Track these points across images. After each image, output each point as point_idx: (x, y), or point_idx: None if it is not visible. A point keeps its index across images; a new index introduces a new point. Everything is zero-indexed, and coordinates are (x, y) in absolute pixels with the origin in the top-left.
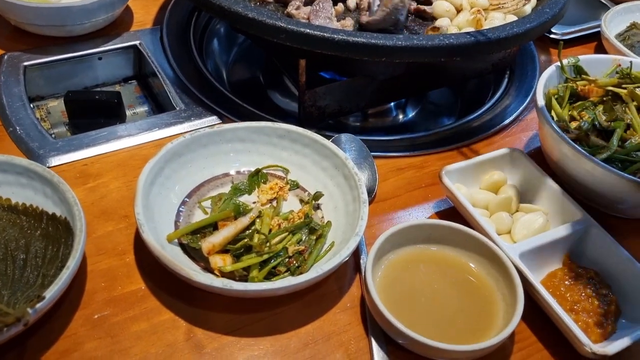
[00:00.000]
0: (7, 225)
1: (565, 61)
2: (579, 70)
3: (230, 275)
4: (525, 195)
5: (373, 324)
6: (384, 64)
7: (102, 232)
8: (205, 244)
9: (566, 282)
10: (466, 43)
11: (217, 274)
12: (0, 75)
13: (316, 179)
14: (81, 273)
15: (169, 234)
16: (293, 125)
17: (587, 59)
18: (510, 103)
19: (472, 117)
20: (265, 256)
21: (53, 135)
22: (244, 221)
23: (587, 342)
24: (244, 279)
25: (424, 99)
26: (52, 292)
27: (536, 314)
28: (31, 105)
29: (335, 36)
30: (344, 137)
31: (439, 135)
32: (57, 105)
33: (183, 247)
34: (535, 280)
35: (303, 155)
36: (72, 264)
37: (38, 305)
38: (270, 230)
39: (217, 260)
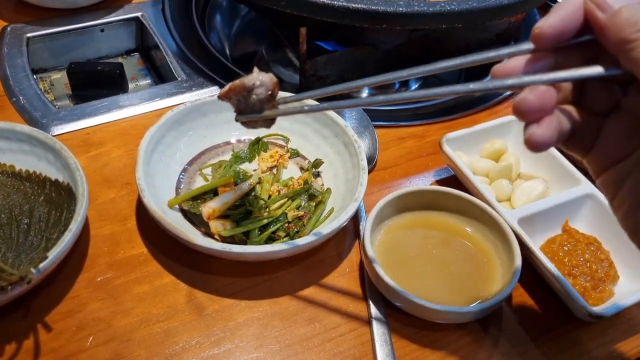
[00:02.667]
0: (11, 191)
1: None
2: None
3: (230, 241)
4: (526, 163)
5: (371, 287)
6: (385, 32)
7: (104, 199)
8: (205, 209)
9: (565, 248)
10: (468, 9)
11: (217, 238)
12: (3, 46)
13: (317, 147)
14: (84, 238)
15: (169, 200)
16: (293, 94)
17: None
18: None
19: None
20: (265, 221)
21: (56, 106)
22: (243, 187)
23: (584, 305)
24: (244, 243)
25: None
26: (55, 253)
27: (534, 280)
28: (34, 77)
29: (335, 2)
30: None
31: (441, 105)
32: (60, 78)
33: (184, 213)
34: (534, 245)
35: (304, 123)
36: (74, 226)
37: (41, 265)
38: (269, 196)
39: (216, 225)
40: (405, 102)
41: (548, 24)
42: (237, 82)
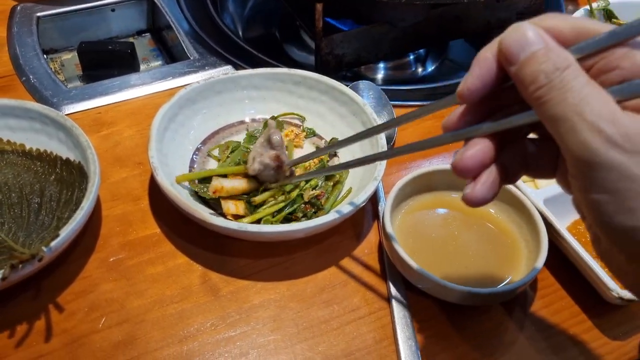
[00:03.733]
0: (21, 170)
1: (595, 5)
2: (609, 15)
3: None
4: None
5: (391, 269)
6: (403, 8)
7: (116, 179)
8: (215, 182)
9: None
10: None
11: (231, 219)
12: (13, 26)
13: (333, 126)
14: (96, 218)
15: (177, 176)
16: (309, 72)
17: (618, 2)
18: None
19: None
20: (281, 204)
21: (67, 86)
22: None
23: (614, 287)
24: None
25: (444, 54)
26: (66, 231)
27: (560, 262)
28: (45, 57)
29: None
30: (362, 84)
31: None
32: (71, 58)
33: (197, 195)
34: (561, 226)
35: (320, 102)
36: (86, 204)
37: (53, 244)
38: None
39: (229, 206)
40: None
41: (467, 87)
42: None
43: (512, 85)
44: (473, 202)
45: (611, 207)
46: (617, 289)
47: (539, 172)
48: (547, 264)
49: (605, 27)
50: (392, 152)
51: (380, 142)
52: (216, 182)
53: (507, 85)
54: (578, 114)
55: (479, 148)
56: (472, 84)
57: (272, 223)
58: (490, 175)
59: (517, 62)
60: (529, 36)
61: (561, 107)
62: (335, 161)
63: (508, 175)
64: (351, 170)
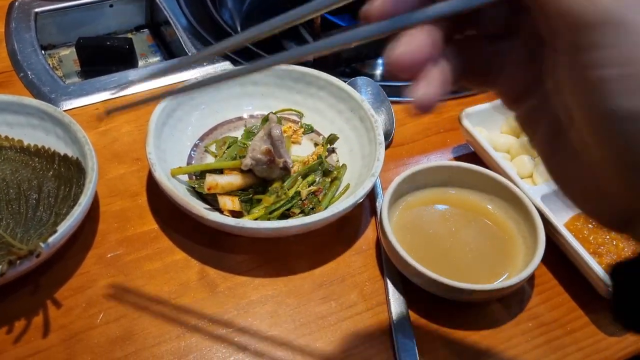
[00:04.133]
0: (19, 166)
1: None
2: None
3: (241, 216)
4: None
5: (389, 265)
6: None
7: (114, 175)
8: (209, 179)
9: (590, 226)
10: None
11: (227, 214)
12: (11, 21)
13: (331, 122)
14: (94, 214)
15: (172, 169)
16: (308, 68)
17: None
18: None
19: None
20: (278, 204)
21: (65, 81)
22: (251, 179)
23: (610, 283)
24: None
25: None
26: (64, 227)
27: (557, 258)
28: (43, 52)
29: None
30: (361, 80)
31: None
32: (69, 54)
33: (195, 191)
34: (558, 222)
35: (318, 98)
36: (84, 200)
37: (51, 240)
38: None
39: (226, 202)
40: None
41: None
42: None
43: None
44: (425, 107)
45: (615, 85)
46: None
47: (475, 80)
48: (545, 260)
49: None
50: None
51: (378, 139)
52: (210, 179)
53: None
54: None
55: (420, 37)
56: None
57: (269, 219)
58: (436, 73)
59: None
60: None
61: None
62: (334, 158)
63: (449, 81)
64: (349, 167)
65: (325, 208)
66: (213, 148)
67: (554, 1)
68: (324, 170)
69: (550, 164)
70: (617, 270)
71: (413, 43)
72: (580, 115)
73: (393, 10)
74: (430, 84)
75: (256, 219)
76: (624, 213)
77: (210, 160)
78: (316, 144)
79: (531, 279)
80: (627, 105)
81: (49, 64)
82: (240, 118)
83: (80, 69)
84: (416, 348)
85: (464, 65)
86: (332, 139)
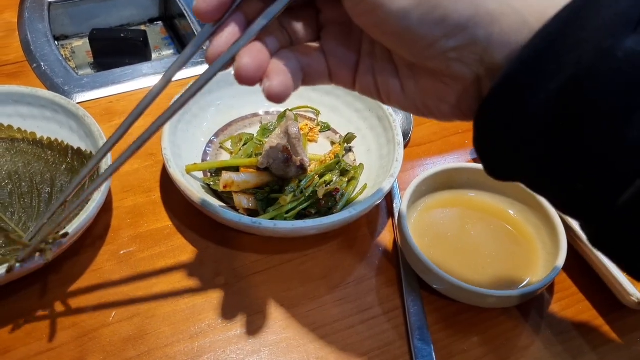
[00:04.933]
0: (32, 159)
1: None
2: None
3: (256, 216)
4: None
5: (406, 268)
6: None
7: (127, 170)
8: (225, 176)
9: None
10: None
11: (243, 212)
12: (24, 11)
13: (348, 121)
14: (107, 209)
15: (187, 165)
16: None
17: None
18: None
19: None
20: (294, 204)
21: (78, 73)
22: (267, 178)
23: (633, 292)
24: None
25: None
26: (77, 224)
27: (577, 264)
28: (56, 43)
29: None
30: None
31: None
32: (81, 45)
33: (210, 188)
34: (579, 227)
35: (335, 96)
36: (97, 196)
37: (62, 240)
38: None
39: (241, 200)
40: None
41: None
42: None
43: None
44: (279, 96)
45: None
46: (636, 294)
47: (315, 78)
48: (565, 266)
49: None
50: None
51: (397, 139)
52: (226, 177)
53: None
54: None
55: (256, 53)
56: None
57: (285, 219)
58: (278, 64)
59: None
60: None
61: None
62: (351, 157)
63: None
64: (366, 167)
65: (342, 209)
66: (228, 144)
67: None
68: (341, 170)
69: (399, 101)
70: None
71: (257, 55)
72: (376, 34)
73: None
74: (283, 75)
75: (273, 219)
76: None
77: (225, 157)
78: (333, 143)
79: (551, 285)
80: (395, 6)
81: (62, 55)
82: (255, 114)
83: (93, 60)
84: (433, 354)
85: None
86: (349, 138)
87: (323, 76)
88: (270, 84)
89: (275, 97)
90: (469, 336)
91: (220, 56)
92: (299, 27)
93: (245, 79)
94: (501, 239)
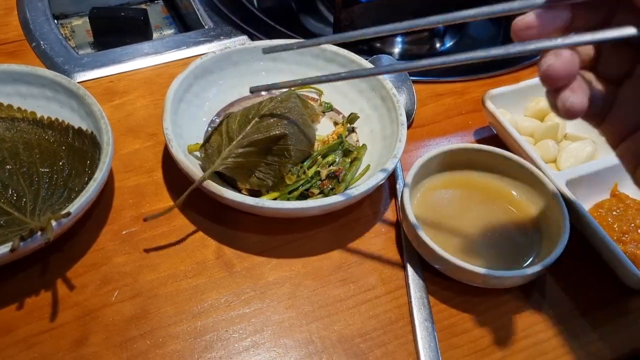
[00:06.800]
0: (32, 139)
1: None
2: None
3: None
4: (572, 124)
5: (409, 249)
6: None
7: (129, 150)
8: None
9: (614, 213)
10: None
11: (245, 193)
12: None
13: (352, 101)
14: (108, 189)
15: (190, 145)
16: (329, 44)
17: None
18: None
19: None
20: (297, 184)
21: (77, 52)
22: None
23: (636, 272)
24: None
25: (463, 29)
26: (79, 202)
27: (580, 245)
28: (55, 22)
29: None
30: (383, 58)
31: (482, 61)
32: (81, 24)
33: None
34: (582, 208)
35: None
36: (99, 176)
37: (63, 220)
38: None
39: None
40: (418, 70)
41: None
42: None
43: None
44: (577, 112)
45: None
46: (638, 274)
47: (590, 114)
48: (567, 247)
49: None
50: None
51: (400, 119)
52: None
53: None
54: None
55: (567, 57)
56: None
57: (288, 199)
58: (582, 85)
59: None
60: None
61: None
62: (354, 137)
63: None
64: (369, 147)
65: (345, 189)
66: None
67: None
68: (344, 150)
69: None
70: None
71: (568, 59)
72: None
73: (540, 27)
74: (584, 92)
75: (275, 199)
76: None
77: None
78: (336, 123)
79: (553, 265)
80: None
81: (62, 34)
82: (258, 94)
83: (93, 39)
84: (435, 333)
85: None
86: (352, 118)
87: (598, 117)
88: (571, 101)
89: (572, 114)
90: (471, 316)
91: (528, 32)
92: (612, 60)
93: (553, 80)
94: (504, 219)
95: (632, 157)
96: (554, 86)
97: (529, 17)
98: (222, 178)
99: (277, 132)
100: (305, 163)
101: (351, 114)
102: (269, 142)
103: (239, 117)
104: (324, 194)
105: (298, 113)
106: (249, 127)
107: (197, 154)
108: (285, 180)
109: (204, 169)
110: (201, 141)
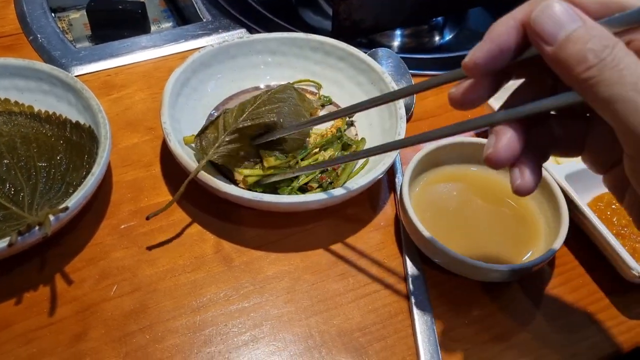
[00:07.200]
0: (29, 132)
1: None
2: None
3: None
4: None
5: (408, 243)
6: None
7: (127, 144)
8: (238, 174)
9: (613, 206)
10: None
11: (242, 186)
12: None
13: (351, 95)
14: (106, 183)
15: (186, 137)
16: (327, 37)
17: None
18: None
19: None
20: (280, 170)
21: (75, 45)
22: None
23: (634, 266)
24: (273, 193)
25: (463, 22)
26: (77, 197)
27: (579, 239)
28: (52, 15)
29: None
30: (381, 51)
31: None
32: (79, 18)
33: (210, 162)
34: (582, 202)
35: (337, 69)
36: (97, 170)
37: (61, 215)
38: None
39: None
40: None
41: (473, 60)
42: None
43: (524, 61)
44: (524, 192)
45: None
46: (637, 268)
47: (565, 151)
48: (566, 241)
49: (635, 1)
50: (402, 143)
51: (399, 112)
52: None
53: (520, 59)
54: (639, 92)
55: (510, 136)
56: (479, 57)
57: (289, 193)
58: (531, 162)
59: (555, 43)
60: (562, 14)
61: (617, 87)
62: (352, 131)
63: (542, 156)
64: (368, 141)
65: (344, 183)
66: None
67: (627, 123)
68: (343, 144)
69: None
70: None
71: (509, 143)
72: None
73: (467, 97)
74: (532, 173)
75: (275, 187)
76: None
77: None
78: None
79: (552, 259)
80: None
81: (59, 27)
82: (256, 88)
83: (90, 33)
84: (434, 327)
85: (550, 143)
86: (347, 108)
87: (573, 153)
88: (519, 184)
89: (522, 192)
90: (470, 310)
91: (461, 102)
92: (561, 133)
93: (497, 165)
94: (503, 213)
95: (615, 190)
96: (497, 169)
97: (463, 89)
98: (220, 172)
99: (268, 119)
100: (300, 154)
101: None
102: (259, 129)
103: (236, 111)
104: (322, 188)
105: (292, 104)
106: (241, 117)
107: (194, 145)
108: (264, 163)
109: (199, 161)
110: None
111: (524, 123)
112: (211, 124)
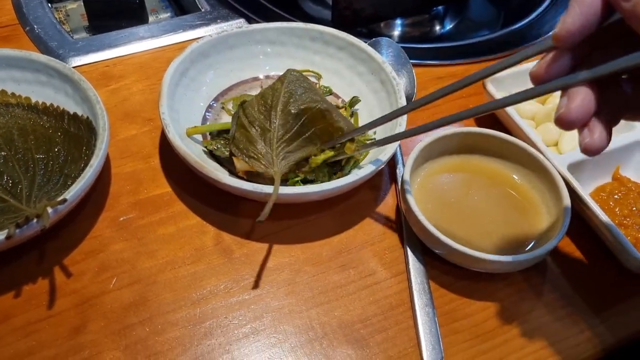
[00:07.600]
0: (27, 124)
1: None
2: None
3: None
4: None
5: (409, 234)
6: None
7: (125, 135)
8: (239, 164)
9: (615, 196)
10: None
11: (243, 176)
12: None
13: (351, 84)
14: (105, 175)
15: (188, 128)
16: (327, 27)
17: None
18: (561, 10)
19: (518, 25)
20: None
21: (72, 36)
22: None
23: (637, 256)
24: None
25: (464, 11)
26: (75, 189)
27: (581, 229)
28: (49, 5)
29: None
30: (382, 41)
31: (482, 45)
32: (76, 8)
33: (210, 153)
34: (584, 192)
35: (337, 59)
36: (95, 162)
37: (59, 207)
38: None
39: (243, 163)
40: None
41: (566, 28)
42: None
43: (608, 26)
44: (593, 151)
45: None
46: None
47: (637, 114)
48: (568, 231)
49: None
50: (404, 134)
51: (400, 102)
52: (240, 164)
53: (603, 25)
54: None
55: (584, 97)
56: (572, 24)
57: (293, 184)
58: (600, 123)
59: None
60: None
61: None
62: (353, 121)
63: (612, 119)
64: (369, 132)
65: (345, 174)
66: (230, 106)
67: None
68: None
69: None
70: None
71: (582, 103)
72: None
73: (551, 72)
74: (601, 133)
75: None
76: None
77: (226, 119)
78: (336, 107)
79: (554, 250)
80: None
81: (56, 18)
82: (256, 78)
83: (88, 23)
84: (436, 318)
85: (622, 106)
86: (354, 102)
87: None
88: (588, 143)
89: (591, 152)
90: (472, 301)
91: (546, 78)
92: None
93: (568, 125)
94: (505, 204)
95: None
96: (569, 129)
97: (544, 66)
98: (220, 163)
99: (320, 106)
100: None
101: (353, 97)
102: (316, 119)
103: (257, 105)
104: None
105: (316, 91)
106: (278, 116)
107: (196, 137)
108: (345, 151)
109: (229, 162)
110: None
111: (597, 85)
112: (235, 126)
